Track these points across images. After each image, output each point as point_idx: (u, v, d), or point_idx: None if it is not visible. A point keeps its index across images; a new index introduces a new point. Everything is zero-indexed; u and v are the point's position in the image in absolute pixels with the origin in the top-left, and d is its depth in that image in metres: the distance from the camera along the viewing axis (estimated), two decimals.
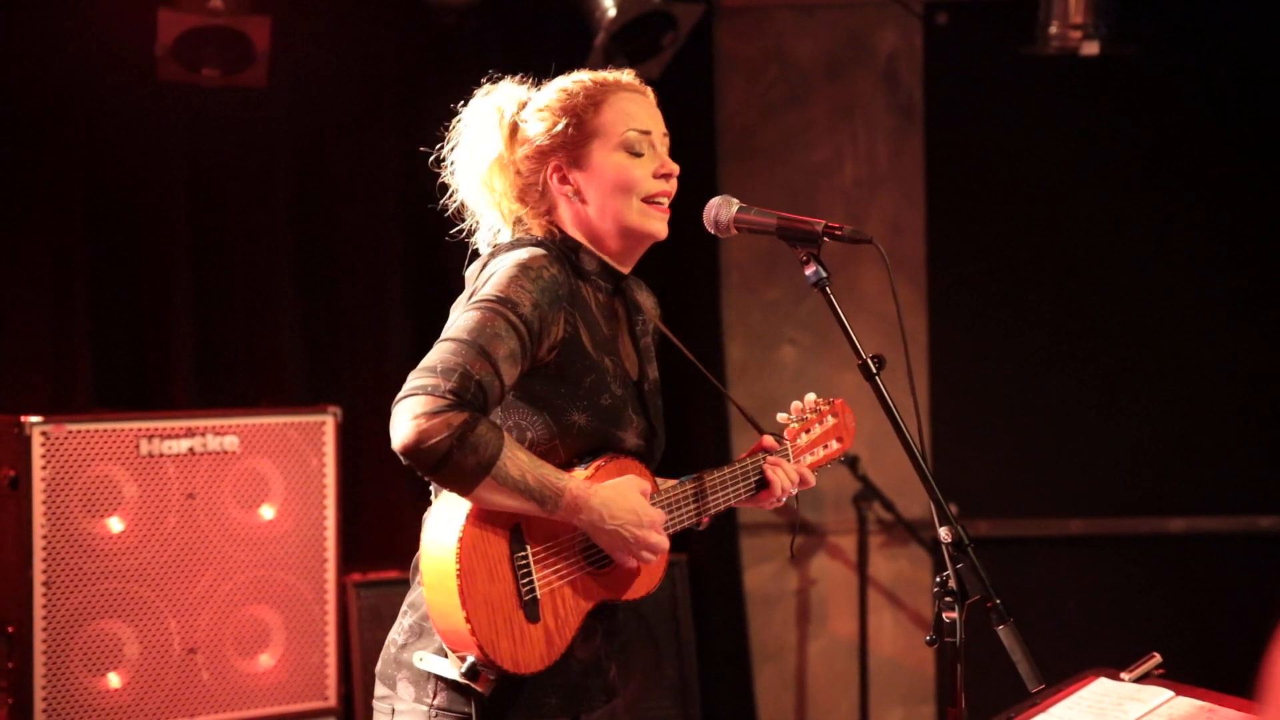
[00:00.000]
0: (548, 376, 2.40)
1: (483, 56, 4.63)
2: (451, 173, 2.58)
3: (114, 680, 4.09)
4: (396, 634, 2.49)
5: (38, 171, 4.74)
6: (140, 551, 4.11)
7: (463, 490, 2.29)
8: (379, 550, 4.92)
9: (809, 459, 2.74)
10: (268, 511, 4.29)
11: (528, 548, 2.36)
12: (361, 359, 5.09)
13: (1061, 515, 5.48)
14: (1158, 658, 2.46)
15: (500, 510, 2.33)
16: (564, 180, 2.50)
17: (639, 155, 2.49)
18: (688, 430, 5.10)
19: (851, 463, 5.24)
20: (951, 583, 2.22)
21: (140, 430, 4.12)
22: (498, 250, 2.50)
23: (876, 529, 5.54)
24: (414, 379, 2.29)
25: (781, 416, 2.75)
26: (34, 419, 3.99)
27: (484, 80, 2.60)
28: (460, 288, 2.57)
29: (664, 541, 2.41)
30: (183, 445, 4.18)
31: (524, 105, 2.54)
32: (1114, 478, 5.46)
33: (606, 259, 2.52)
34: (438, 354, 2.31)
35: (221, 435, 4.23)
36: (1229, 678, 2.42)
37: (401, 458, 2.27)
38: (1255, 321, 5.44)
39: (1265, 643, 1.55)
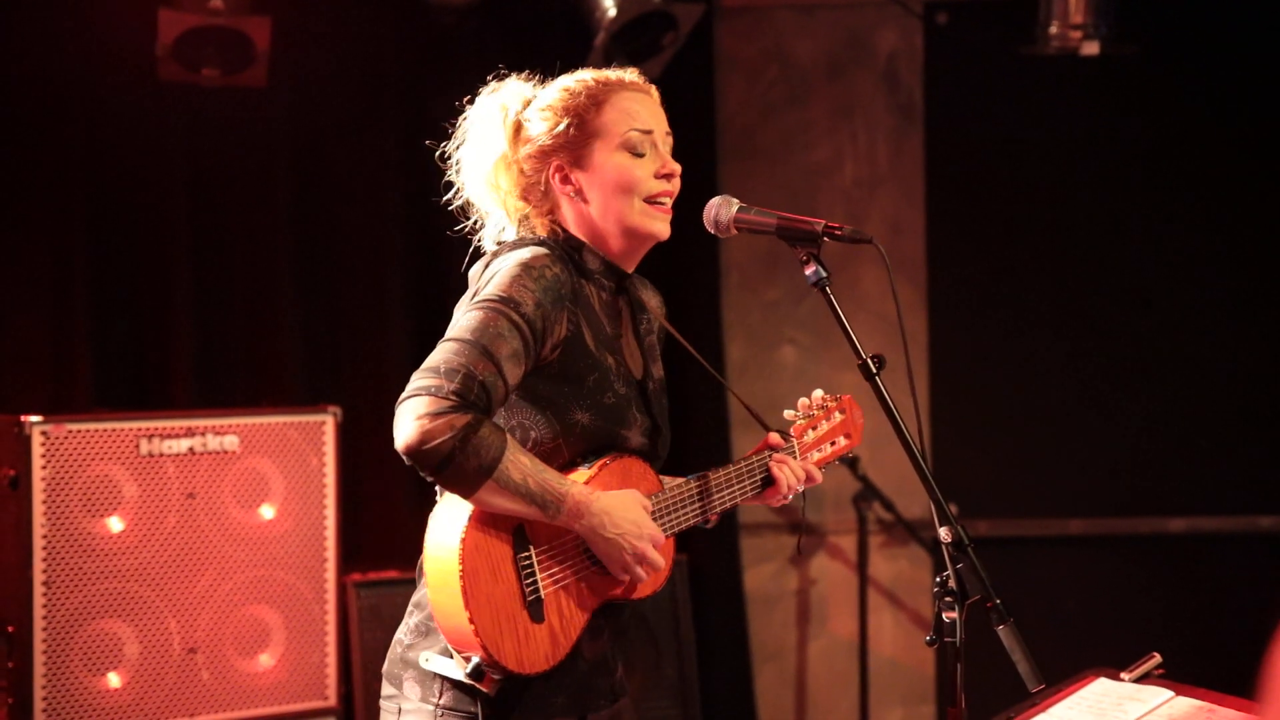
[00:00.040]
0: (551, 376, 2.40)
1: (483, 56, 4.61)
2: (457, 171, 2.58)
3: (114, 680, 4.09)
4: (402, 634, 2.49)
5: (38, 171, 4.74)
6: (140, 551, 4.11)
7: (464, 492, 2.29)
8: (379, 550, 4.92)
9: (816, 456, 2.73)
10: (268, 511, 4.29)
11: (531, 548, 2.36)
12: (361, 359, 5.09)
13: (1061, 515, 5.48)
14: (1158, 658, 2.46)
15: (502, 513, 2.33)
16: (566, 180, 2.50)
17: (640, 155, 2.49)
18: (688, 429, 5.09)
19: (851, 463, 5.24)
20: (951, 583, 2.22)
21: (140, 430, 4.12)
22: (500, 250, 2.50)
23: (876, 529, 5.54)
24: (417, 379, 2.29)
25: (788, 413, 2.73)
26: (34, 419, 3.99)
27: (490, 78, 2.60)
28: (461, 286, 2.57)
29: (660, 560, 2.41)
30: (183, 445, 4.18)
31: (528, 103, 2.54)
32: (1114, 478, 5.46)
33: (609, 258, 2.52)
34: (441, 354, 2.31)
35: (221, 435, 4.23)
36: (1229, 678, 2.42)
37: (404, 458, 2.28)
38: (1255, 321, 5.44)
39: (1265, 643, 1.55)
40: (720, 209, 2.51)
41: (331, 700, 4.36)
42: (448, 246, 5.09)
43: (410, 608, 2.49)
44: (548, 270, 2.40)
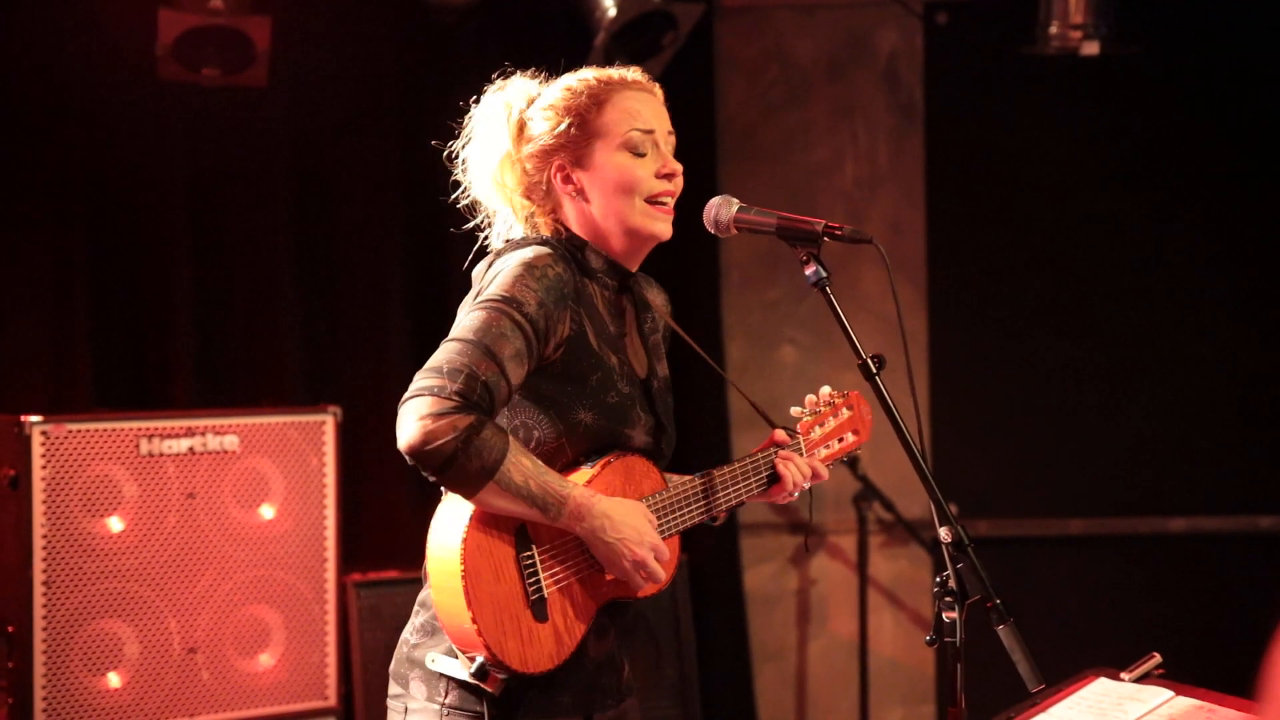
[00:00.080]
0: (554, 375, 2.40)
1: (483, 56, 4.61)
2: (463, 169, 2.58)
3: (114, 680, 4.09)
4: (409, 633, 2.50)
5: (38, 171, 4.74)
6: (140, 551, 4.11)
7: (466, 493, 2.30)
8: (379, 550, 4.92)
9: (823, 452, 2.71)
10: (268, 511, 4.29)
11: (534, 547, 2.36)
12: (361, 359, 5.09)
13: (1062, 515, 5.48)
14: (1157, 658, 2.46)
15: (504, 514, 2.33)
16: (567, 180, 2.50)
17: (642, 155, 2.49)
18: (688, 427, 5.08)
19: (852, 463, 5.24)
20: (951, 582, 2.22)
21: (140, 430, 4.12)
22: (503, 250, 2.50)
23: (876, 529, 5.54)
24: (420, 379, 2.29)
25: (795, 410, 2.73)
26: (34, 418, 3.99)
27: (495, 76, 2.59)
28: (461, 286, 2.57)
29: (660, 572, 2.40)
30: (183, 445, 4.18)
31: (532, 101, 2.54)
32: (1114, 478, 5.46)
33: (612, 257, 2.52)
34: (444, 354, 2.31)
35: (221, 435, 4.23)
36: (1229, 678, 2.42)
37: (407, 458, 2.28)
38: (1255, 321, 5.44)
39: (1265, 643, 1.55)
40: (720, 209, 2.50)
41: (331, 700, 4.36)
42: (448, 246, 5.12)
43: (416, 607, 2.50)
44: (550, 270, 2.40)
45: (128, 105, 4.79)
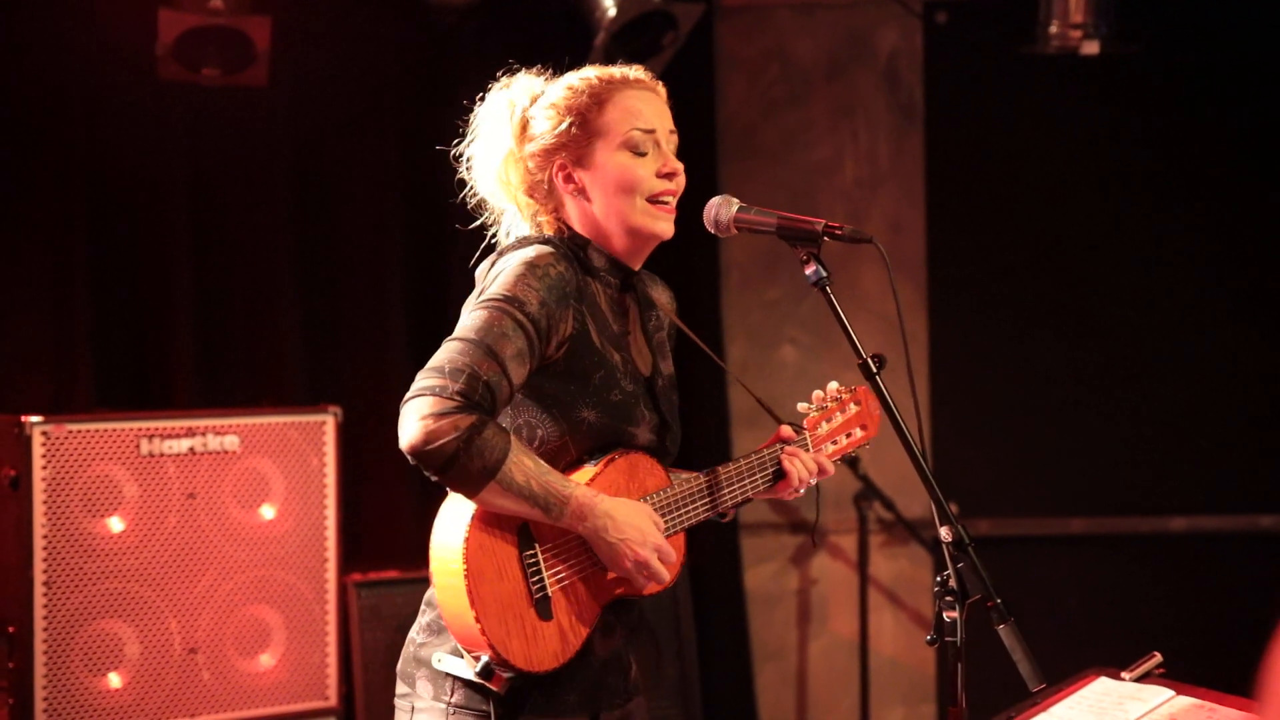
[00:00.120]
0: (557, 374, 2.40)
1: (483, 56, 4.62)
2: (469, 167, 2.58)
3: (115, 680, 4.08)
4: (415, 632, 2.50)
5: (38, 171, 4.74)
6: (141, 551, 4.11)
7: (468, 493, 2.30)
8: (379, 550, 4.92)
9: (830, 448, 2.71)
10: (268, 511, 4.29)
11: (536, 546, 2.37)
12: (362, 359, 5.09)
13: (1062, 514, 5.48)
14: (1158, 657, 2.46)
15: (506, 514, 2.33)
16: (569, 179, 2.50)
17: (643, 154, 2.49)
18: (689, 426, 5.08)
19: (852, 462, 5.24)
20: (952, 582, 2.22)
21: (141, 430, 4.12)
22: (506, 249, 2.50)
23: (877, 528, 5.54)
24: (422, 379, 2.29)
25: (802, 406, 2.72)
26: (34, 419, 3.99)
27: (500, 74, 2.59)
28: (462, 285, 2.57)
29: (663, 573, 2.40)
30: (183, 445, 4.17)
31: (536, 99, 2.54)
32: (1114, 477, 5.46)
33: (614, 256, 2.52)
34: (445, 354, 2.31)
35: (222, 435, 4.23)
36: (1230, 677, 2.42)
37: (409, 458, 2.28)
38: (1255, 321, 5.44)
39: (1266, 642, 1.55)
40: (720, 209, 2.50)
41: (332, 700, 4.36)
42: (448, 246, 5.13)
43: (423, 606, 2.50)
44: (552, 269, 2.40)
45: (128, 105, 4.79)
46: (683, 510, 2.49)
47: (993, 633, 2.21)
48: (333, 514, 4.36)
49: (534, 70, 2.59)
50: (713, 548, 5.34)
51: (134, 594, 4.10)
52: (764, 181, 5.52)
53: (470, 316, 2.36)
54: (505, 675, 2.34)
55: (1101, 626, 5.37)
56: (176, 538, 4.16)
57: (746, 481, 2.58)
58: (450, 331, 2.37)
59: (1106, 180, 5.48)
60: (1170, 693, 2.33)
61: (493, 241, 2.60)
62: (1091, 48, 4.86)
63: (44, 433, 3.98)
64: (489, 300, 2.36)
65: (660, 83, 2.57)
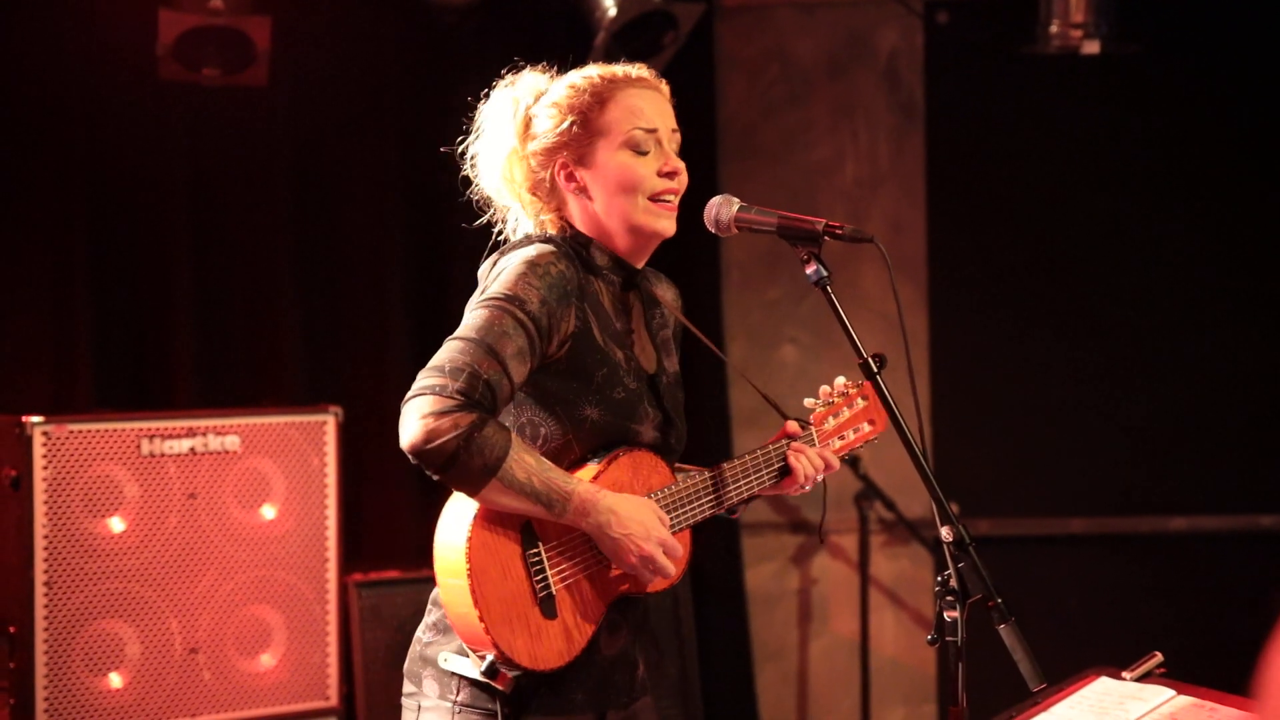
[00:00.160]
0: (559, 372, 2.41)
1: (483, 56, 4.63)
2: (472, 165, 2.58)
3: (115, 680, 4.09)
4: (421, 631, 2.50)
5: (38, 171, 4.74)
6: (141, 551, 4.11)
7: (469, 491, 2.30)
8: (380, 550, 4.92)
9: (837, 443, 2.70)
10: (269, 511, 4.29)
11: (540, 544, 2.37)
12: (362, 358, 5.09)
13: (1063, 514, 5.48)
14: (1159, 657, 2.46)
15: (509, 512, 2.33)
16: (570, 178, 2.50)
17: (644, 153, 2.48)
18: (689, 424, 5.09)
19: (853, 462, 5.24)
20: (953, 582, 2.21)
21: (141, 430, 4.12)
22: (507, 248, 2.51)
23: (878, 528, 5.54)
24: (422, 378, 2.30)
25: (808, 401, 2.71)
26: (35, 419, 3.99)
27: (505, 71, 2.59)
28: (462, 285, 2.57)
29: (669, 567, 2.40)
30: (184, 445, 4.17)
31: (540, 97, 2.54)
32: (1115, 477, 5.46)
33: (617, 254, 2.52)
34: (446, 353, 2.32)
35: (223, 435, 4.23)
36: (1230, 677, 2.42)
37: (410, 457, 2.29)
38: (1255, 321, 5.44)
39: (1266, 642, 1.55)
40: (721, 208, 2.50)
41: (333, 700, 4.36)
42: (448, 246, 5.12)
43: (429, 605, 2.50)
44: (553, 267, 2.41)
45: (128, 105, 4.79)
46: (687, 507, 2.49)
47: (993, 632, 2.21)
48: (333, 514, 4.36)
49: (539, 67, 2.59)
50: (713, 547, 5.34)
51: (135, 594, 4.10)
52: (764, 181, 5.52)
53: (471, 315, 2.36)
54: (510, 674, 2.34)
55: (1102, 626, 5.37)
56: (177, 538, 4.16)
57: (752, 477, 2.58)
58: (451, 331, 2.37)
59: (1106, 180, 5.48)
60: (1171, 692, 2.33)
61: (498, 239, 2.61)
62: (1092, 47, 4.86)
63: (45, 433, 3.98)
64: (490, 299, 2.36)
65: (663, 81, 2.56)
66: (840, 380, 2.73)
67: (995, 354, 5.50)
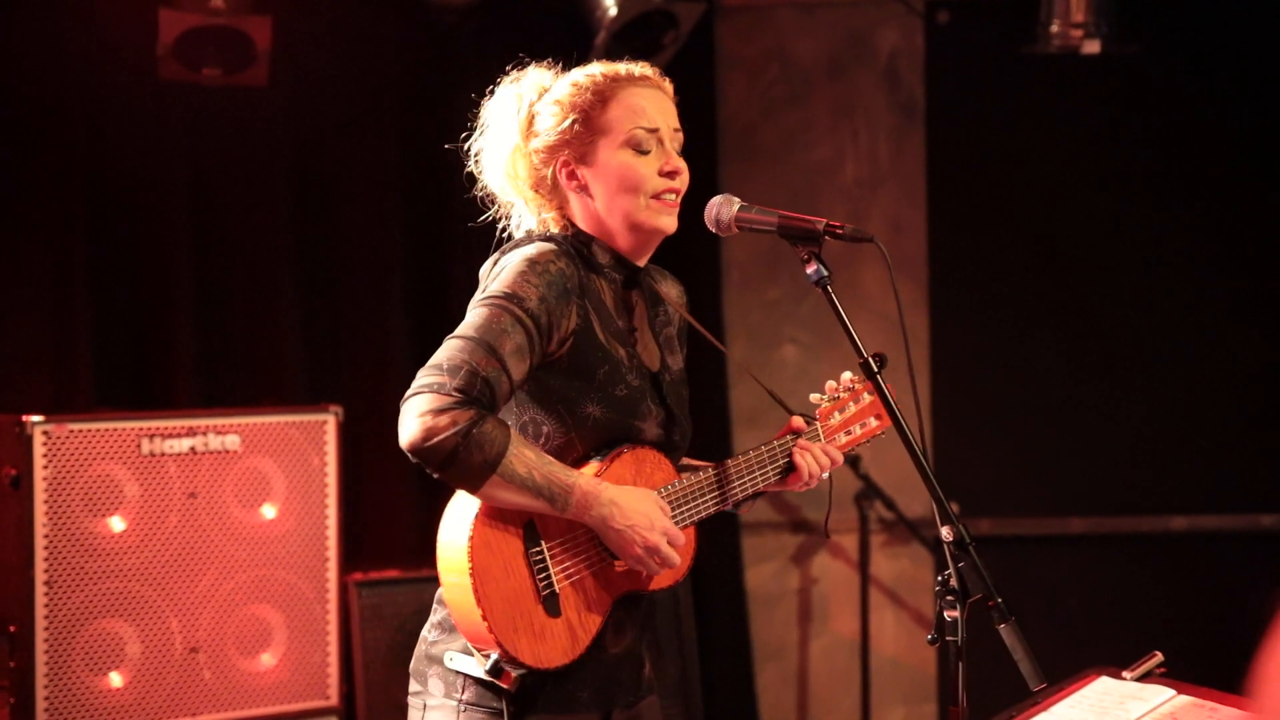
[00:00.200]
0: (561, 371, 2.41)
1: (483, 56, 4.62)
2: (476, 161, 2.58)
3: (116, 679, 4.08)
4: (427, 630, 2.51)
5: (38, 171, 4.74)
6: (142, 551, 4.11)
7: (471, 488, 2.30)
8: (380, 550, 4.92)
9: (842, 439, 2.69)
10: (269, 511, 4.29)
11: (542, 543, 2.37)
12: (363, 358, 5.09)
13: (1063, 514, 5.48)
14: (1159, 656, 2.46)
15: (511, 508, 2.33)
16: (572, 176, 2.50)
17: (645, 153, 2.48)
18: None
19: (853, 462, 5.24)
20: (953, 581, 2.21)
21: (142, 429, 4.12)
22: (507, 247, 2.51)
23: (878, 528, 5.54)
24: (421, 377, 2.31)
25: (814, 397, 2.70)
26: (35, 418, 3.98)
27: (510, 68, 2.59)
28: (462, 284, 2.57)
29: (674, 556, 2.40)
30: (184, 444, 4.17)
31: (544, 94, 2.53)
32: (1115, 476, 5.47)
33: (619, 252, 2.52)
34: (445, 352, 2.33)
35: (223, 434, 4.23)
36: (1230, 676, 2.42)
37: (409, 455, 2.29)
38: (1255, 321, 5.44)
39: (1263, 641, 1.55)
40: (721, 208, 2.50)
41: (333, 700, 4.36)
42: (448, 246, 5.12)
43: (435, 604, 2.50)
44: (552, 265, 2.41)
45: (128, 105, 4.79)
46: (691, 504, 2.49)
47: (994, 632, 2.21)
48: (334, 513, 4.36)
49: (544, 64, 2.59)
50: (714, 547, 5.33)
51: (135, 593, 4.10)
52: (764, 181, 5.52)
53: (470, 314, 2.37)
54: (515, 673, 2.34)
55: (1102, 626, 5.37)
56: (177, 537, 4.16)
57: (757, 474, 2.58)
58: (451, 330, 2.38)
59: (1106, 180, 5.48)
60: (1171, 692, 2.33)
61: (501, 236, 2.61)
62: (1092, 47, 4.86)
63: (45, 432, 3.98)
64: (489, 298, 2.37)
65: (667, 79, 2.56)
66: (846, 375, 2.72)
67: (995, 353, 5.50)
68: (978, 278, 5.52)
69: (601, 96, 2.48)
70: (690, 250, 5.17)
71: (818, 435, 2.66)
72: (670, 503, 2.45)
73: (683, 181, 2.52)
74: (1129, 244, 5.48)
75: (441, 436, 2.25)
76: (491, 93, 2.58)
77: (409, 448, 2.28)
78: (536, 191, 2.54)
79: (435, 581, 2.44)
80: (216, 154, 4.93)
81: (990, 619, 2.20)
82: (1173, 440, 5.45)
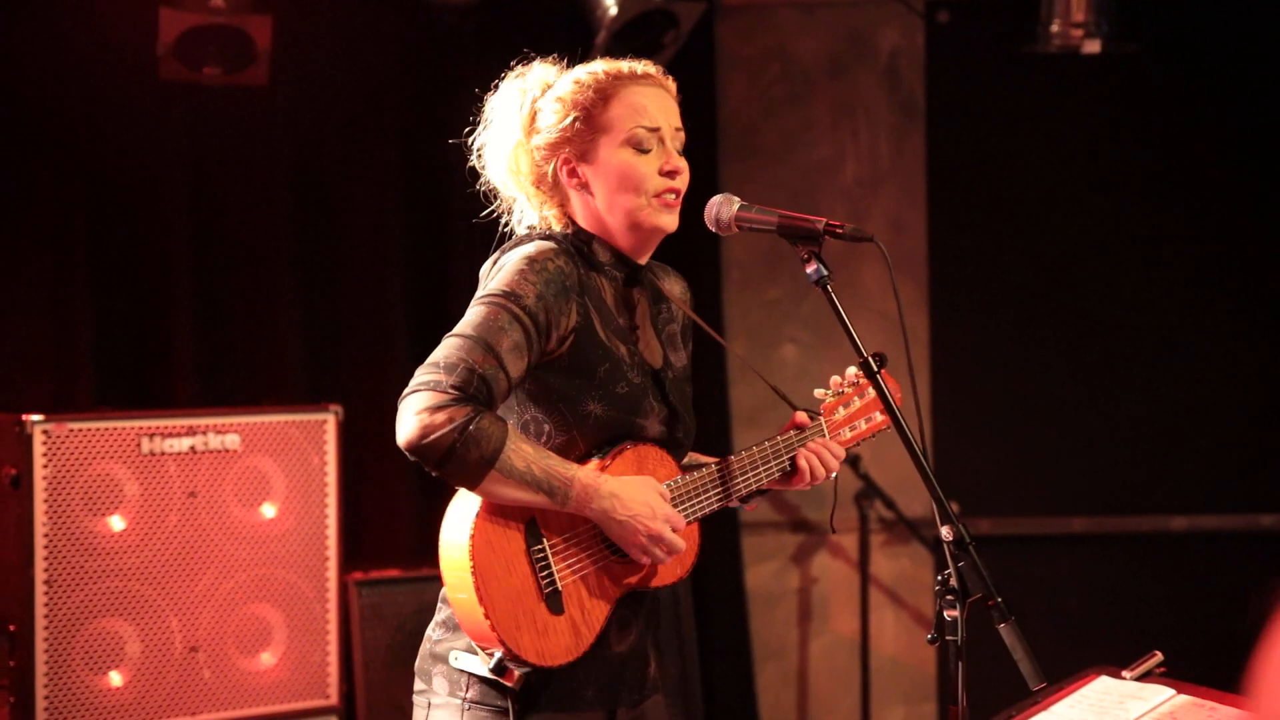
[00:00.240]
0: (561, 369, 2.41)
1: (483, 56, 4.63)
2: (479, 156, 2.58)
3: (116, 679, 4.09)
4: (431, 629, 2.51)
5: (38, 171, 4.74)
6: (142, 550, 4.11)
7: (470, 484, 2.30)
8: (380, 549, 4.92)
9: (847, 433, 2.68)
10: (269, 510, 4.29)
11: (544, 540, 2.37)
12: (362, 357, 5.09)
13: (1063, 513, 5.48)
14: (1159, 656, 2.45)
15: (512, 504, 2.33)
16: (572, 173, 2.50)
17: (646, 151, 2.48)
18: None
19: (853, 461, 5.24)
20: (953, 581, 2.21)
21: (142, 429, 4.12)
22: (508, 246, 2.51)
23: (878, 527, 5.54)
24: (419, 375, 2.31)
25: (818, 392, 2.70)
26: (35, 417, 3.98)
27: (515, 63, 2.59)
28: (462, 284, 2.58)
29: (678, 542, 2.40)
30: (184, 444, 4.17)
31: (547, 90, 2.53)
32: (1115, 476, 5.47)
33: (619, 251, 2.52)
34: (442, 350, 2.33)
35: (223, 434, 4.23)
36: (1230, 676, 2.42)
37: (407, 453, 2.29)
38: (1255, 320, 5.44)
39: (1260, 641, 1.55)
40: (721, 207, 2.50)
41: (333, 699, 4.36)
42: (448, 245, 5.11)
43: (439, 603, 2.51)
44: (550, 263, 2.41)
45: (129, 104, 4.79)
46: (694, 500, 2.49)
47: (993, 632, 2.21)
48: (334, 513, 4.36)
49: (550, 59, 2.58)
50: (714, 547, 5.33)
51: (135, 592, 4.10)
52: (765, 180, 5.52)
53: (469, 313, 2.38)
54: (518, 671, 2.34)
55: (1102, 625, 5.37)
56: (177, 536, 4.16)
57: (761, 469, 2.57)
58: (451, 329, 2.38)
59: (1106, 180, 5.48)
60: (1171, 691, 2.33)
61: (503, 233, 2.61)
62: (1093, 46, 4.86)
63: (45, 431, 3.98)
64: (487, 296, 2.38)
65: (670, 77, 2.56)
66: (851, 370, 2.70)
67: (996, 352, 5.50)
68: (977, 277, 5.52)
69: (603, 94, 2.48)
70: (690, 250, 5.16)
71: (821, 430, 2.65)
72: (673, 499, 2.45)
73: (683, 181, 2.51)
74: (1129, 244, 5.48)
75: (438, 434, 2.25)
76: (496, 88, 2.58)
77: (406, 445, 2.28)
78: (538, 188, 2.54)
79: (435, 580, 2.44)
80: (216, 154, 4.93)
81: (990, 618, 2.20)
82: (1173, 440, 5.45)
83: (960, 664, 2.22)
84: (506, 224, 2.60)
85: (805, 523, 5.58)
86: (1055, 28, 4.89)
